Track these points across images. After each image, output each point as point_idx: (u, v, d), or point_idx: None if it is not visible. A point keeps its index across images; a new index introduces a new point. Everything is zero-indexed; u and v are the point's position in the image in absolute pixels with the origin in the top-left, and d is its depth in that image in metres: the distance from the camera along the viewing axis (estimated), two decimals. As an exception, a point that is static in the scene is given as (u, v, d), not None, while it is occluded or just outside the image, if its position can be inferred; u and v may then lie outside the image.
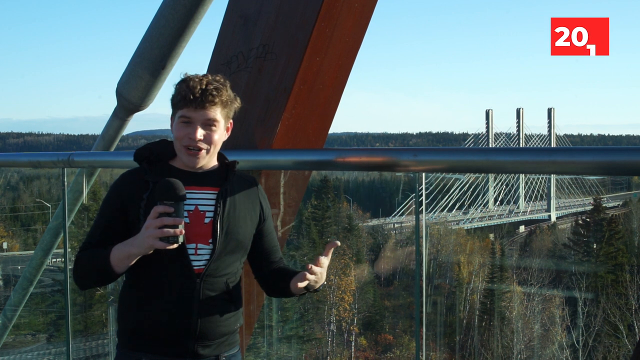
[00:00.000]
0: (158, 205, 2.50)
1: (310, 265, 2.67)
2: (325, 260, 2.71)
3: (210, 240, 2.69)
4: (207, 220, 2.70)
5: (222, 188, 2.75)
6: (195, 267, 2.67)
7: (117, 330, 2.83)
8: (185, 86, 2.67)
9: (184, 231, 2.52)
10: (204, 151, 2.70)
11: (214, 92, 2.67)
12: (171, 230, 2.48)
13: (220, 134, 2.75)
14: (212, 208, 2.72)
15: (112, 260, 2.59)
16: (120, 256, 2.58)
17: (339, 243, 2.76)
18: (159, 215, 2.49)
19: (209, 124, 2.69)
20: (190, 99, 2.64)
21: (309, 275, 2.66)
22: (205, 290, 2.69)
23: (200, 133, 2.67)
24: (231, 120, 2.83)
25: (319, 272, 2.70)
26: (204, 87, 2.66)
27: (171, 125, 2.75)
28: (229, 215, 2.73)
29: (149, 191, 2.67)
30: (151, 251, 2.55)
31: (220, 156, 2.86)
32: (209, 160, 2.76)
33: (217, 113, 2.69)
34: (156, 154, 2.79)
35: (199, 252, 2.68)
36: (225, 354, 2.81)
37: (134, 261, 2.59)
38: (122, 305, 2.78)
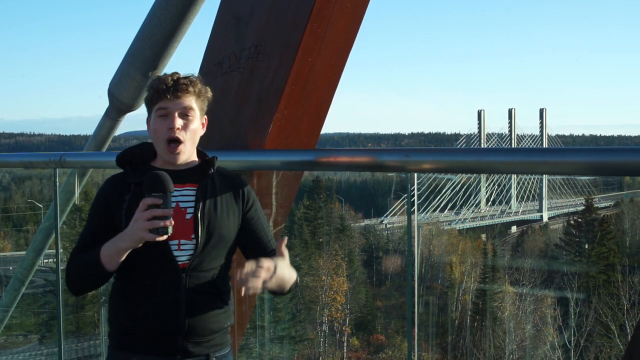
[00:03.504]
0: (146, 198, 2.52)
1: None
2: (267, 262, 2.56)
3: (192, 236, 2.69)
4: (188, 217, 2.70)
5: (201, 183, 2.76)
6: (179, 262, 2.67)
7: (108, 332, 2.82)
8: (157, 81, 2.74)
9: (173, 222, 2.54)
10: (182, 145, 2.72)
11: (187, 82, 2.73)
12: (161, 222, 2.50)
13: (197, 125, 2.79)
14: (192, 204, 2.72)
15: (102, 258, 2.60)
16: (110, 252, 2.59)
17: (285, 239, 2.75)
18: (148, 208, 2.51)
19: (185, 113, 2.73)
20: (164, 89, 2.70)
21: (245, 285, 2.50)
22: (191, 285, 2.68)
23: (178, 122, 2.70)
24: (205, 116, 2.87)
25: (258, 279, 2.51)
26: (175, 78, 2.73)
27: (148, 127, 2.80)
28: (209, 209, 2.73)
29: (130, 193, 2.69)
30: (141, 244, 2.56)
31: (201, 154, 2.88)
32: (189, 155, 2.78)
33: (192, 102, 2.75)
34: (138, 157, 2.82)
35: (182, 247, 2.68)
36: (215, 353, 2.80)
37: (124, 256, 2.60)
38: (111, 306, 2.79)
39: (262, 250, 2.87)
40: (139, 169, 2.76)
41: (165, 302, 2.66)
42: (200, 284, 2.71)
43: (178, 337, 2.69)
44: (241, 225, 2.85)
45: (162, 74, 2.79)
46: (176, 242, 2.67)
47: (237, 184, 2.89)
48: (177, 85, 2.71)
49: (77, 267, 2.70)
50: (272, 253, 2.85)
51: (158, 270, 2.67)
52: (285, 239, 2.76)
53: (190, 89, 2.73)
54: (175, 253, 2.67)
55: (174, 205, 2.67)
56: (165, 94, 2.69)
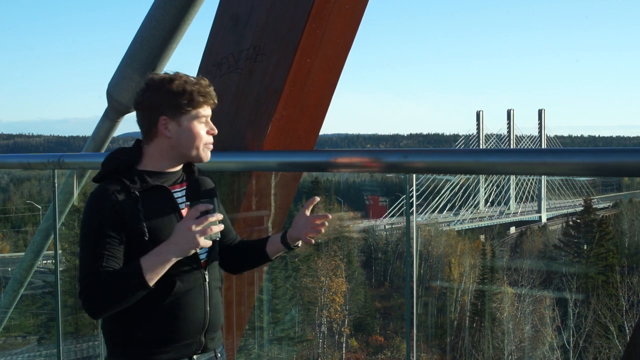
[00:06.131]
0: (199, 204, 2.50)
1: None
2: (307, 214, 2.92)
3: None
4: None
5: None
6: (202, 260, 2.73)
7: (114, 341, 2.70)
8: (200, 86, 2.70)
9: (222, 226, 2.56)
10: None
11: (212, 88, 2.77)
12: (215, 227, 2.51)
13: None
14: None
15: (145, 273, 2.48)
16: (155, 267, 2.49)
17: (318, 199, 2.93)
18: (200, 214, 2.49)
19: (209, 120, 2.77)
20: (207, 98, 2.71)
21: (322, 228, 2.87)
22: (210, 281, 2.74)
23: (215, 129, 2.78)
24: None
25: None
26: (208, 83, 2.74)
27: (164, 128, 2.69)
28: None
29: (139, 202, 2.61)
30: (193, 252, 2.53)
31: None
32: None
33: None
34: (125, 163, 2.72)
35: None
36: (219, 349, 2.85)
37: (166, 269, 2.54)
38: (128, 316, 2.63)
39: (228, 239, 3.03)
40: (132, 177, 2.67)
41: (196, 303, 2.69)
42: (214, 278, 2.79)
43: (202, 334, 2.72)
44: None
45: (188, 75, 2.73)
46: None
47: (209, 178, 2.84)
48: (213, 94, 2.75)
49: (110, 288, 2.50)
50: (236, 238, 3.08)
51: (186, 271, 2.66)
52: (317, 198, 2.99)
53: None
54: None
55: (183, 206, 2.70)
56: (207, 102, 2.72)
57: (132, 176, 2.68)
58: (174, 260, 2.51)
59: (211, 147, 2.76)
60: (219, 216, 2.52)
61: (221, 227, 2.54)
